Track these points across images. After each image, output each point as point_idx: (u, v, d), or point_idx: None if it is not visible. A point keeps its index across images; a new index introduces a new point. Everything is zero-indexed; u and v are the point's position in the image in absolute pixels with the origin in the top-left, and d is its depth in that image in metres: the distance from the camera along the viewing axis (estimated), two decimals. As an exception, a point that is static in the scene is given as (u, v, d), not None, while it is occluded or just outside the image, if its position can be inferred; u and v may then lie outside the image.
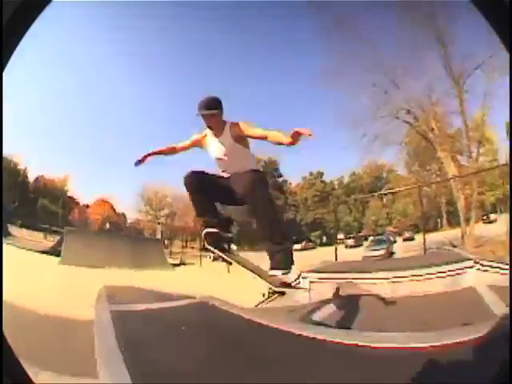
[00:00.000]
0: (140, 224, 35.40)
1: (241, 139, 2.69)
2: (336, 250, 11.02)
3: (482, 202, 27.72)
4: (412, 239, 24.68)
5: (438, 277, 4.35)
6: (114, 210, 34.10)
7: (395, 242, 23.22)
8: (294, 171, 42.33)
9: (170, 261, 18.85)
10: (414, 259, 8.36)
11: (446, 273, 4.35)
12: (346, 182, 39.74)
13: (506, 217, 19.04)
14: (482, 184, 23.98)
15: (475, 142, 18.97)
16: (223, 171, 2.87)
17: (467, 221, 17.19)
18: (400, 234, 28.54)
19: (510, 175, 8.30)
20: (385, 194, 36.69)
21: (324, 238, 34.02)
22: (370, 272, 5.01)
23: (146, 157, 2.78)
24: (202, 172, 2.81)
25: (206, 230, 2.79)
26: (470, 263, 4.34)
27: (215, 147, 2.80)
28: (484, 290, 3.73)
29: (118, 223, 33.35)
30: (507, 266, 3.92)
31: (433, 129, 18.37)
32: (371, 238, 25.13)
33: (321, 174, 38.78)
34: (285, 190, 36.93)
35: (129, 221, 35.69)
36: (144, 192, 36.31)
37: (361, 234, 32.56)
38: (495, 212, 28.32)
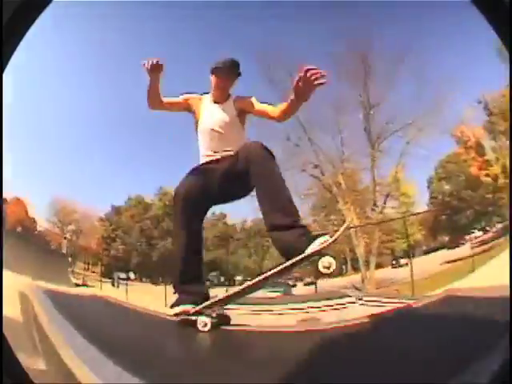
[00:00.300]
0: (48, 235, 33.53)
1: (242, 115, 2.32)
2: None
3: (392, 248, 32.99)
4: (313, 284, 24.47)
5: (323, 310, 5.33)
6: (27, 213, 31.79)
7: (295, 286, 23.49)
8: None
9: (73, 280, 18.84)
10: (308, 296, 9.55)
11: (333, 306, 5.35)
12: (248, 226, 40.17)
13: (417, 260, 22.75)
14: (391, 232, 27.80)
15: (383, 196, 21.05)
16: (212, 151, 2.28)
17: (367, 266, 18.77)
18: (301, 279, 28.41)
19: (510, 175, 8.49)
20: None
21: (222, 278, 34.34)
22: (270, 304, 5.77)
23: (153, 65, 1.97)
24: (197, 171, 2.23)
25: (182, 308, 1.98)
26: (353, 299, 5.38)
27: (214, 114, 2.29)
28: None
29: (29, 228, 31.03)
30: (387, 300, 5.08)
31: (340, 183, 19.61)
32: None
33: (224, 216, 39.15)
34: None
35: (39, 228, 33.23)
36: (54, 202, 35.87)
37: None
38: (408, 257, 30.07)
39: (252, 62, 21.58)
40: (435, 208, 38.03)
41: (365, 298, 5.47)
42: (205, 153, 2.31)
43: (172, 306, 2.02)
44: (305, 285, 25.90)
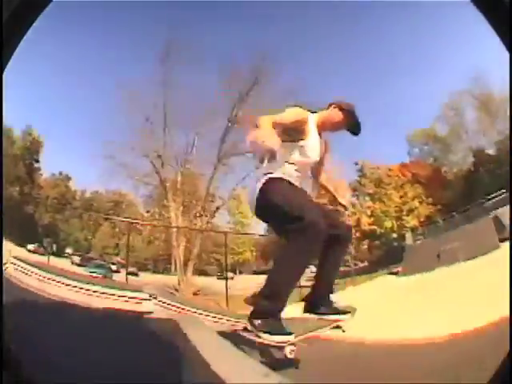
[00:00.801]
0: None
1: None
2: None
3: (218, 260, 32.47)
4: (136, 275, 23.81)
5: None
6: None
7: (118, 272, 22.81)
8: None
9: None
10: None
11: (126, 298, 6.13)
12: (88, 198, 37.80)
13: (245, 277, 24.64)
14: (221, 245, 26.06)
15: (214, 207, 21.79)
16: (299, 178, 2.20)
17: (185, 268, 18.82)
18: (124, 267, 28.66)
19: (510, 176, 8.72)
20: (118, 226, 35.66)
21: (54, 247, 30.81)
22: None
23: None
24: (304, 196, 2.15)
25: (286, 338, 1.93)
26: (146, 296, 6.08)
27: (317, 146, 2.21)
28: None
29: None
30: (180, 306, 6.17)
31: (176, 182, 19.49)
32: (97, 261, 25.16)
33: (68, 178, 35.46)
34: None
35: None
36: None
37: (89, 255, 30.86)
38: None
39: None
40: (270, 235, 39.47)
41: (159, 299, 6.19)
42: (293, 173, 2.18)
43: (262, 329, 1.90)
44: (128, 274, 25.69)
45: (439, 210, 32.95)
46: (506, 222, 16.69)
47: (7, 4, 0.86)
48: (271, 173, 2.07)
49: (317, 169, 2.39)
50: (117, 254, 34.14)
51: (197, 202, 21.03)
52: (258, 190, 2.05)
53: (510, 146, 11.13)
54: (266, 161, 1.98)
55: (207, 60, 25.52)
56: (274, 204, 1.95)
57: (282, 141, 1.77)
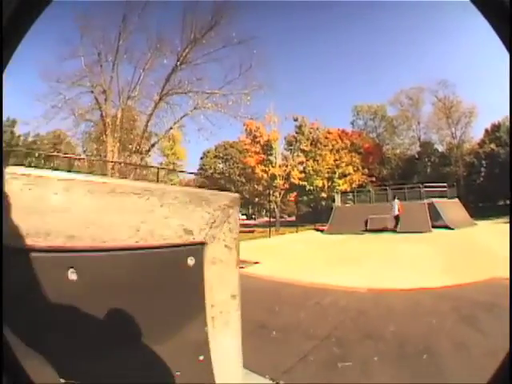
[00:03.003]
0: None
1: None
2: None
3: None
4: None
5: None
6: None
7: None
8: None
9: None
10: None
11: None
12: (30, 142, 36.41)
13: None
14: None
15: (150, 144, 21.55)
16: None
17: None
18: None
19: (510, 172, 8.89)
20: (56, 168, 35.93)
21: None
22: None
23: None
24: None
25: None
26: None
27: None
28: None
29: None
30: None
31: (116, 117, 19.38)
32: None
33: (13, 123, 33.79)
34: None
35: None
36: None
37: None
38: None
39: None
40: (201, 177, 41.99)
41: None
42: None
43: None
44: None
45: (372, 182, 35.71)
46: (442, 211, 18.61)
47: (7, 4, 0.85)
48: None
49: None
50: None
51: (134, 138, 20.37)
52: None
53: (510, 145, 11.54)
54: None
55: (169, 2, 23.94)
56: None
57: None
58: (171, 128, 21.51)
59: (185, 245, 1.36)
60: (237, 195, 1.59)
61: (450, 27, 44.73)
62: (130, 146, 20.31)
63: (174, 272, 1.37)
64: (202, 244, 1.40)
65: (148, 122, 20.31)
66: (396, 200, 18.72)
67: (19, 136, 34.64)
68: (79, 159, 19.77)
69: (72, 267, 1.19)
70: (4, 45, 0.89)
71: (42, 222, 1.10)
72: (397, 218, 17.80)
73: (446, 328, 3.38)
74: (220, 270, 1.42)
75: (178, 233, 1.35)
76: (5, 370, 0.90)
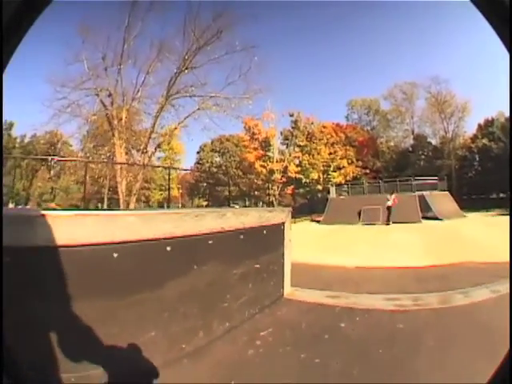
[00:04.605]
0: None
1: None
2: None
3: (147, 196, 36.74)
4: None
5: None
6: None
7: None
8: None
9: None
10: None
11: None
12: (26, 143, 35.77)
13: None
14: (149, 181, 29.68)
15: (155, 144, 22.05)
16: None
17: (127, 204, 19.37)
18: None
19: (510, 175, 9.03)
20: (53, 167, 35.71)
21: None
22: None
23: None
24: None
25: None
26: None
27: None
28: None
29: None
30: None
31: (121, 119, 19.66)
32: None
33: (10, 126, 33.02)
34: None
35: None
36: None
37: (28, 207, 28.93)
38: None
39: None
40: (194, 171, 42.74)
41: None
42: None
43: None
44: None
45: (366, 174, 36.12)
46: (431, 203, 19.21)
47: (7, 4, 0.83)
48: None
49: None
50: (51, 200, 33.06)
51: (141, 139, 20.79)
52: None
53: (511, 145, 11.53)
54: None
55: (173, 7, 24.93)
56: None
57: None
58: (175, 128, 22.01)
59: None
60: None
61: (449, 27, 44.34)
62: (138, 148, 20.91)
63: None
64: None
65: (155, 123, 20.68)
66: (393, 195, 19.01)
67: (15, 138, 34.16)
68: (92, 162, 19.70)
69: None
70: (4, 44, 0.88)
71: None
72: (389, 209, 18.05)
73: (402, 285, 4.63)
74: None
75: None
76: (5, 370, 0.89)
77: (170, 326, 2.19)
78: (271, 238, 3.59)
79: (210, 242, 2.57)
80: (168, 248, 2.18)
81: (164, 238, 2.15)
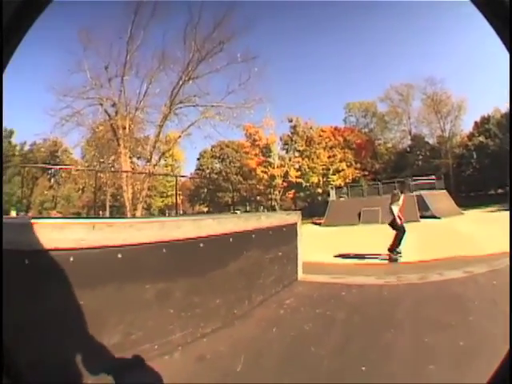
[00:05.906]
0: None
1: None
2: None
3: (149, 204, 36.39)
4: None
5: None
6: None
7: None
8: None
9: None
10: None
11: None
12: (26, 151, 35.91)
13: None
14: (151, 188, 29.44)
15: (160, 153, 22.59)
16: None
17: (134, 212, 19.68)
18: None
19: (510, 173, 9.03)
20: (53, 175, 36.33)
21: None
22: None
23: None
24: None
25: None
26: None
27: None
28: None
29: None
30: None
31: (125, 127, 20.02)
32: None
33: (11, 133, 33.27)
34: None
35: None
36: None
37: (29, 215, 28.43)
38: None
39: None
40: (198, 178, 43.75)
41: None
42: None
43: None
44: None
45: (365, 176, 36.61)
46: (429, 202, 19.76)
47: (7, 4, 0.84)
48: None
49: None
50: (53, 208, 33.43)
51: (146, 148, 21.19)
52: None
53: (510, 145, 11.68)
54: None
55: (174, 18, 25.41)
56: None
57: None
58: (179, 137, 22.50)
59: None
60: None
61: (445, 26, 45.31)
62: (143, 156, 21.46)
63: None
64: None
65: (159, 133, 21.11)
66: (402, 195, 19.14)
67: (15, 146, 34.22)
68: (101, 172, 19.71)
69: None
70: (4, 44, 0.91)
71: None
72: (395, 225, 18.32)
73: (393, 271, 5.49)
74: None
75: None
76: (5, 370, 0.90)
77: (229, 295, 3.19)
78: (288, 234, 4.69)
79: (253, 235, 3.66)
80: (231, 239, 3.28)
81: (225, 234, 3.23)
